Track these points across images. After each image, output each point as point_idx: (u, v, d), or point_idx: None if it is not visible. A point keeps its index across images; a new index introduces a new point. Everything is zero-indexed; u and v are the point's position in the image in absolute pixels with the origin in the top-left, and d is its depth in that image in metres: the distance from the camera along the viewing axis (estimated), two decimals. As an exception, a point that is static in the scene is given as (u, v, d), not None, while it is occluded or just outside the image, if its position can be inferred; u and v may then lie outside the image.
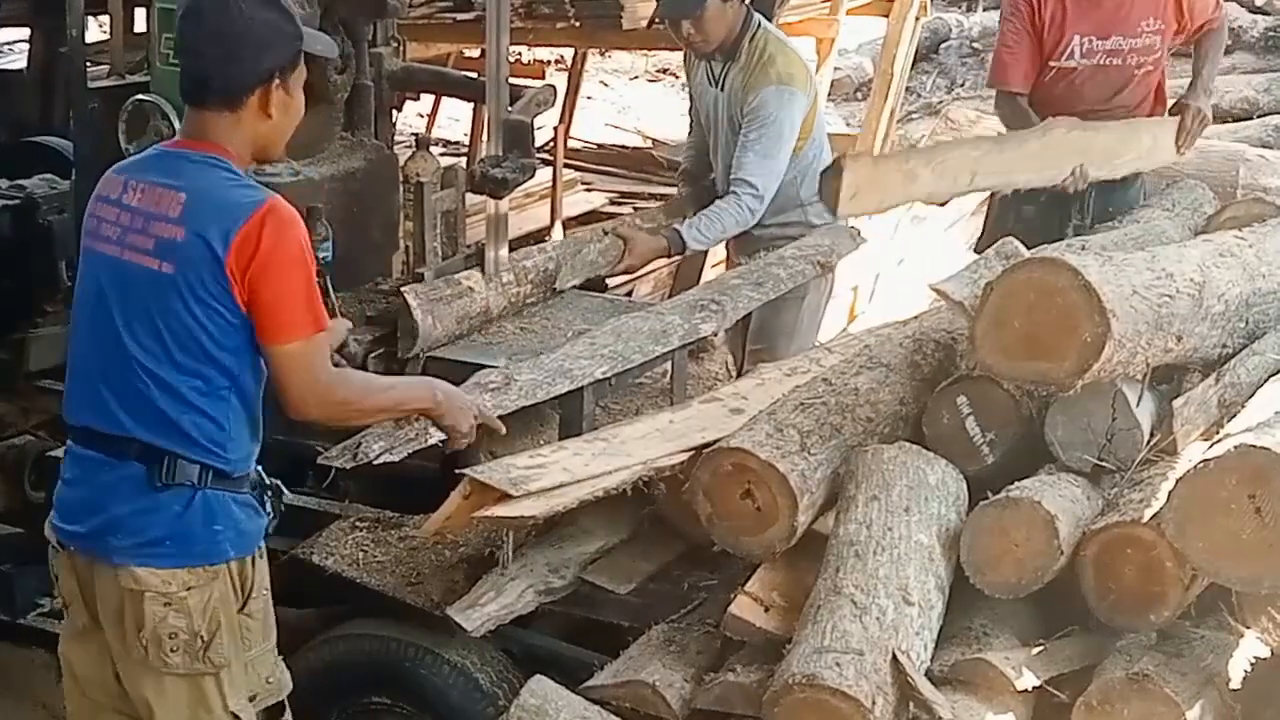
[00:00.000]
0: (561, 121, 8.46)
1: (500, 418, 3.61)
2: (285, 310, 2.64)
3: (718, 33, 4.42)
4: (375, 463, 2.89)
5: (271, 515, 2.85)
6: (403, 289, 3.62)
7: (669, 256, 4.51)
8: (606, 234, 4.28)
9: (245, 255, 2.60)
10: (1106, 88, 4.60)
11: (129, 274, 2.69)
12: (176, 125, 3.41)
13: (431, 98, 9.16)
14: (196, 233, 2.62)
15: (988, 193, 4.92)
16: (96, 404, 2.72)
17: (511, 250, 3.93)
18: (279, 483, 2.90)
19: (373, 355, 3.59)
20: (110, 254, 2.71)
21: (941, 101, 10.99)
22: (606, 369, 3.40)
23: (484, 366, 3.54)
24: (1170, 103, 4.74)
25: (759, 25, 4.49)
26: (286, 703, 2.86)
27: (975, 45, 12.18)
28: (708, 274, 5.84)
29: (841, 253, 4.35)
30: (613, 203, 8.98)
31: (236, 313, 2.63)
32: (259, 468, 2.83)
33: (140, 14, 5.15)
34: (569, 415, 3.42)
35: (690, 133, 4.95)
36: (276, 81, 2.74)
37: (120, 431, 2.69)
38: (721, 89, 4.53)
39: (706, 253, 5.20)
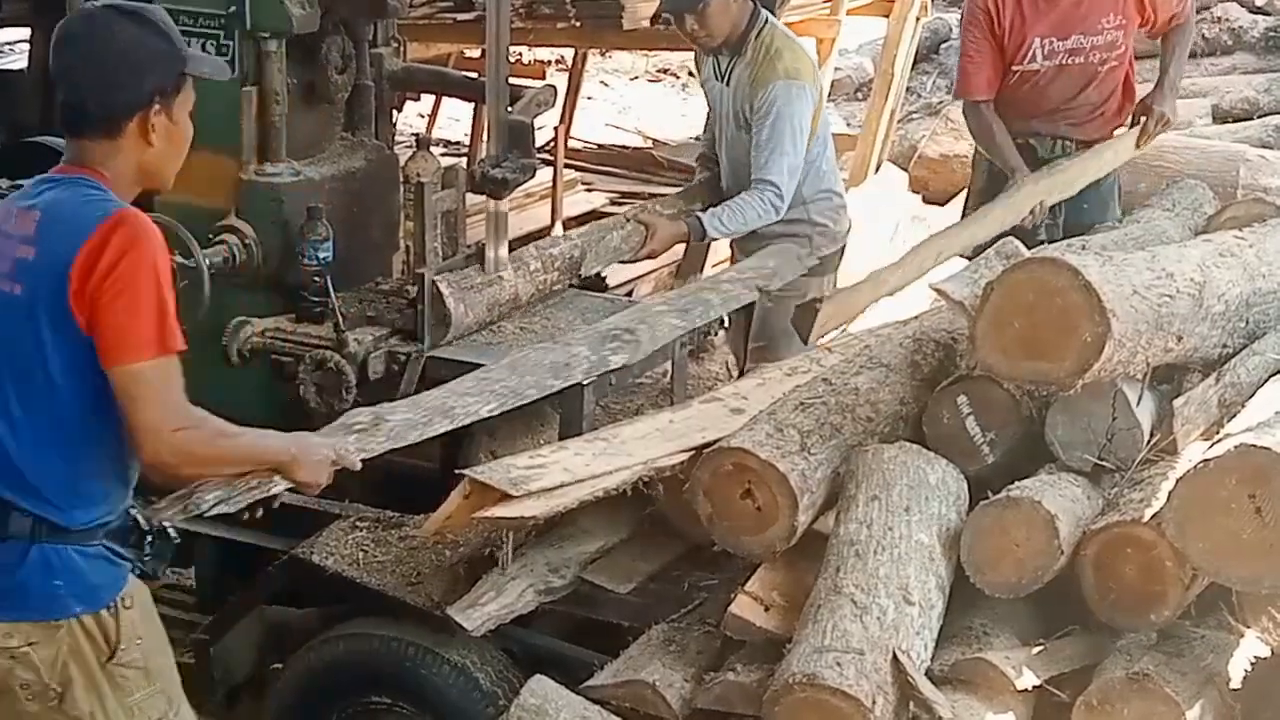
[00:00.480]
0: (562, 122, 8.45)
1: (501, 416, 3.62)
2: (129, 326, 2.42)
3: (722, 28, 4.42)
4: (206, 516, 2.62)
5: (148, 558, 2.65)
6: (435, 277, 3.58)
7: (688, 242, 4.50)
8: (629, 220, 4.30)
9: (88, 269, 2.43)
10: (1070, 86, 4.62)
11: None
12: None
13: (432, 98, 9.15)
14: (46, 250, 2.48)
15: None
16: None
17: (511, 250, 3.93)
18: (168, 527, 2.66)
19: (373, 355, 3.58)
20: None
21: (942, 102, 10.98)
22: (495, 406, 3.15)
23: (484, 366, 3.55)
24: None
25: (765, 21, 4.48)
26: None
27: (976, 45, 12.15)
28: (709, 273, 5.84)
29: (785, 276, 4.25)
30: (613, 203, 8.97)
31: (83, 337, 2.45)
32: (134, 511, 2.64)
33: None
34: (569, 415, 3.42)
35: (707, 120, 4.92)
36: (157, 106, 2.57)
37: None
38: (727, 84, 4.52)
39: (708, 252, 5.18)
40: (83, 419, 2.51)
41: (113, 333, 2.44)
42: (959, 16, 4.94)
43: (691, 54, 5.06)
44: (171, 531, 2.69)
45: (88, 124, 2.57)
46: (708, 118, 4.88)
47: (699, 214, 4.38)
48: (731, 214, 4.38)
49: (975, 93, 4.66)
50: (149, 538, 2.64)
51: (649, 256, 4.41)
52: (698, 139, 5.00)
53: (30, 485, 2.51)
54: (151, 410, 2.44)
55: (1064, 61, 4.58)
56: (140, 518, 2.65)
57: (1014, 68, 4.63)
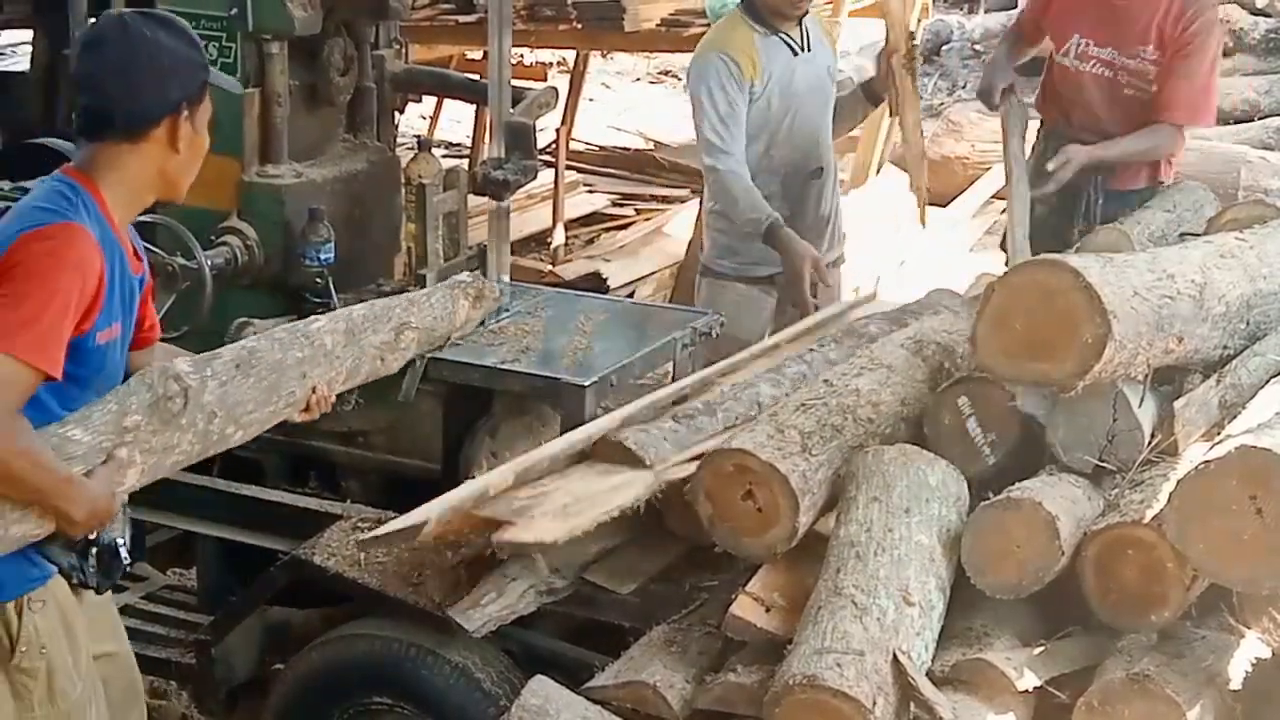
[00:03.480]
0: (563, 123, 8.47)
1: (498, 417, 3.63)
2: (1, 316, 2.38)
3: None
4: None
5: (95, 571, 2.57)
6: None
7: None
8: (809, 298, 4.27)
9: (5, 265, 2.43)
10: (1096, 99, 4.58)
11: None
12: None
13: (434, 100, 9.17)
14: None
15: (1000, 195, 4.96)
16: None
17: (513, 253, 3.93)
18: (119, 543, 2.60)
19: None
20: None
21: (943, 104, 10.99)
22: None
23: (484, 367, 3.55)
24: None
25: None
26: None
27: (977, 47, 12.17)
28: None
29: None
30: (615, 204, 8.99)
31: None
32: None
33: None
34: (569, 416, 3.42)
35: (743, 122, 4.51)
36: (185, 113, 2.62)
37: None
38: (808, 49, 4.56)
39: None
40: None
41: None
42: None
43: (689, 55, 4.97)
44: (122, 551, 2.62)
45: (111, 127, 2.58)
46: (741, 119, 4.49)
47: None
48: None
49: (1020, 30, 4.84)
50: (94, 550, 2.57)
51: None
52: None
53: None
54: None
55: (1095, 70, 4.54)
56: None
57: (1057, 58, 4.63)
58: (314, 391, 3.03)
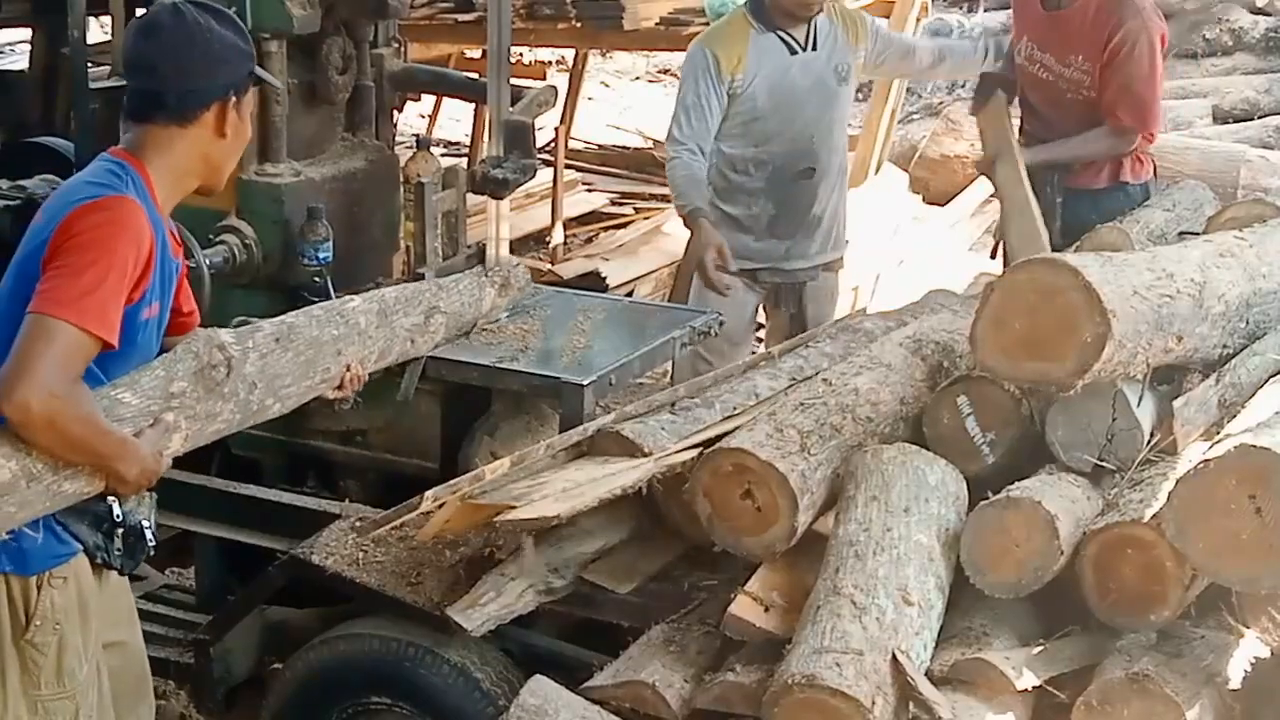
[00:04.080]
0: (562, 122, 8.47)
1: (496, 416, 3.62)
2: (62, 284, 2.44)
3: None
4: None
5: (120, 554, 2.68)
6: None
7: None
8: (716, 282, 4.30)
9: (62, 235, 2.50)
10: (1043, 99, 4.63)
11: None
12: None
13: (432, 98, 9.17)
14: (45, 214, 2.59)
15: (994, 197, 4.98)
16: None
17: (512, 251, 3.93)
18: (145, 525, 2.71)
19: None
20: None
21: (942, 102, 10.98)
22: None
23: (483, 366, 3.55)
24: None
25: None
26: None
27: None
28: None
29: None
30: (614, 203, 8.99)
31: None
32: (113, 502, 2.65)
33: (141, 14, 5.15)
34: (569, 415, 3.42)
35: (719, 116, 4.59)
36: (233, 100, 2.71)
37: None
38: (814, 48, 4.57)
39: None
40: None
41: (49, 285, 2.45)
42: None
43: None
44: (148, 533, 2.70)
45: (162, 109, 2.66)
46: (709, 114, 4.59)
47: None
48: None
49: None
50: (120, 531, 2.65)
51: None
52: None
53: None
54: (44, 365, 2.37)
55: (1039, 73, 4.61)
56: (118, 511, 2.66)
57: (1016, 57, 4.70)
58: (348, 369, 3.12)
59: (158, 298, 2.68)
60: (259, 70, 2.83)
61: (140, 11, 5.14)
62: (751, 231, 4.63)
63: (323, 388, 3.08)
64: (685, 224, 4.51)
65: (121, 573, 2.77)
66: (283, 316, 3.08)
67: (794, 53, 4.54)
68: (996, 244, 4.89)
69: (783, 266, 4.69)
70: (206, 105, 2.68)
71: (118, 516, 2.66)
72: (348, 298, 3.35)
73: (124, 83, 4.24)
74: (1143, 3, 4.47)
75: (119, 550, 2.68)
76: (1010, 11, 4.81)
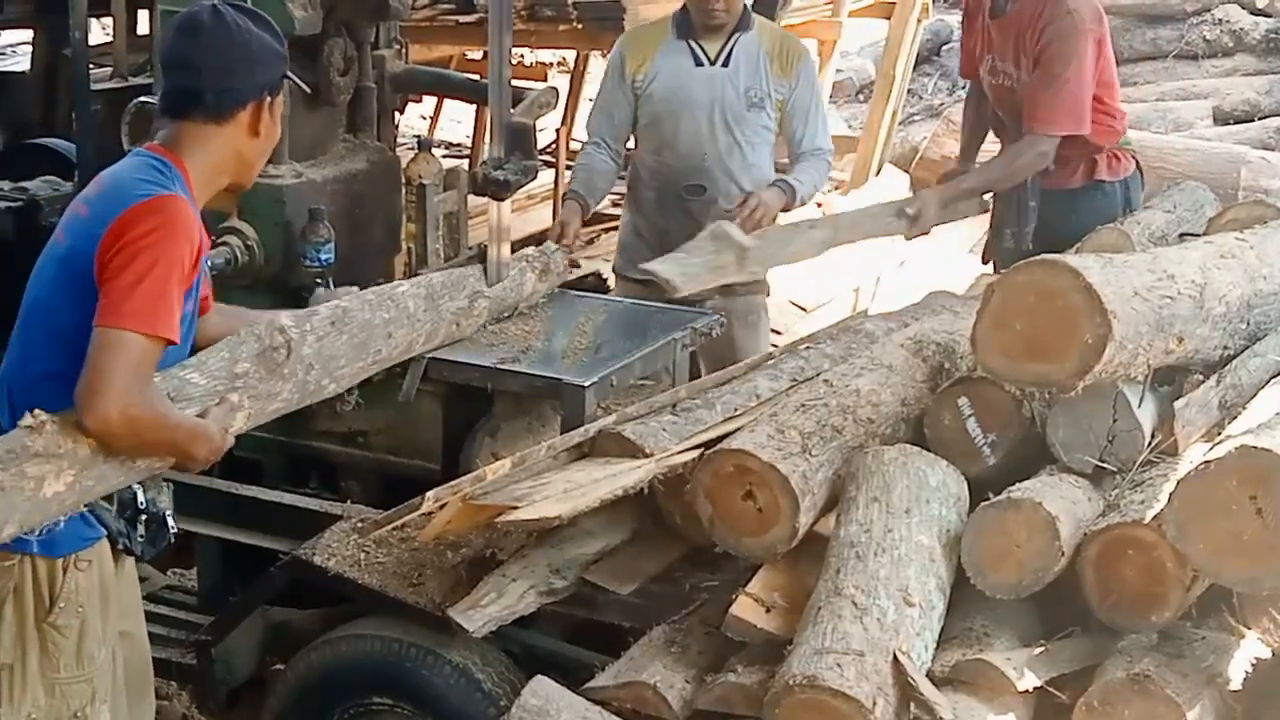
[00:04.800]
0: (564, 124, 8.47)
1: (498, 417, 3.62)
2: (127, 295, 2.52)
3: (740, 5, 4.46)
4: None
5: (143, 540, 2.77)
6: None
7: (788, 210, 4.42)
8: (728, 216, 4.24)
9: (115, 237, 2.55)
10: (1010, 112, 4.58)
11: (47, 249, 2.72)
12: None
13: (434, 100, 9.17)
14: (94, 212, 2.63)
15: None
16: None
17: (513, 252, 3.93)
18: (168, 514, 2.82)
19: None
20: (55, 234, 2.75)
21: (943, 104, 11.00)
22: None
23: (484, 367, 3.55)
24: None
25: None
26: None
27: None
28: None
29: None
30: (614, 204, 8.97)
31: (96, 294, 2.56)
32: (140, 489, 2.74)
33: (143, 16, 5.16)
34: (569, 416, 3.42)
35: (613, 109, 4.58)
36: (268, 100, 2.78)
37: None
38: (724, 65, 4.46)
39: None
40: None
41: (114, 297, 2.52)
42: (960, 19, 4.98)
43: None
44: (170, 521, 2.80)
45: (199, 106, 2.72)
46: (616, 110, 4.57)
47: (782, 179, 4.39)
48: (807, 176, 4.43)
49: (964, 74, 4.93)
50: (144, 517, 2.73)
51: (764, 213, 4.25)
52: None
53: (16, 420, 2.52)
54: (122, 376, 2.47)
55: (1002, 81, 4.56)
56: (143, 498, 2.74)
57: (983, 82, 4.70)
58: None
59: (199, 290, 2.77)
60: (290, 74, 2.88)
61: (142, 13, 5.19)
62: (648, 242, 4.52)
63: (374, 368, 3.27)
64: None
65: (141, 559, 2.83)
66: (336, 300, 3.25)
67: (699, 64, 4.47)
68: (986, 246, 4.90)
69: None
70: (243, 104, 2.74)
71: (142, 504, 2.75)
72: (398, 282, 3.50)
73: (125, 84, 4.28)
74: (1076, 2, 4.35)
75: (141, 536, 2.77)
76: (962, 22, 4.80)
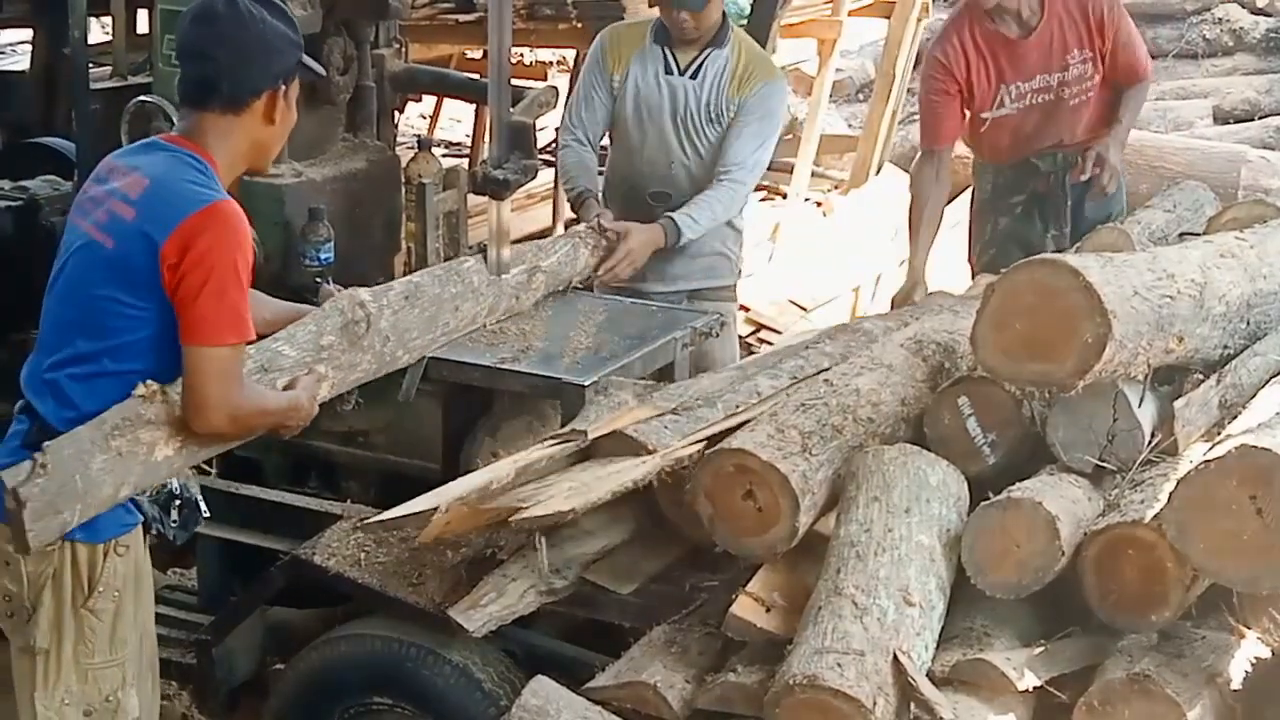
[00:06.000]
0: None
1: (498, 417, 3.62)
2: (215, 312, 2.63)
3: (712, 21, 4.41)
4: None
5: (176, 525, 2.85)
6: None
7: (665, 247, 4.31)
8: (595, 231, 4.17)
9: (181, 248, 2.61)
10: (1044, 119, 4.66)
11: (80, 244, 2.75)
12: (179, 126, 3.42)
13: (433, 99, 9.17)
14: (144, 217, 2.67)
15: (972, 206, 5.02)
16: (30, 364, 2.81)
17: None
18: (198, 499, 2.90)
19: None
20: (80, 227, 2.77)
21: (943, 103, 10.96)
22: None
23: (484, 366, 3.55)
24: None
25: (724, 13, 4.50)
26: None
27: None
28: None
29: None
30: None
31: (155, 304, 2.65)
32: (174, 477, 2.81)
33: (143, 15, 5.16)
34: (570, 416, 3.42)
35: (593, 107, 4.58)
36: (283, 88, 2.80)
37: (21, 390, 2.76)
38: (693, 77, 4.43)
39: None
40: (144, 369, 2.68)
41: (198, 315, 2.63)
42: (921, 94, 4.93)
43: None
44: (202, 505, 2.89)
45: (216, 95, 2.75)
46: (597, 104, 4.57)
47: (670, 214, 4.30)
48: (700, 210, 4.32)
49: (940, 143, 4.73)
50: (178, 502, 2.82)
51: (630, 265, 4.19)
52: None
53: (69, 407, 2.66)
54: (220, 387, 2.65)
55: (1032, 101, 4.65)
56: (176, 485, 2.81)
57: (984, 115, 4.69)
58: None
59: None
60: (307, 60, 2.90)
61: (142, 13, 5.18)
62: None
63: (443, 340, 3.49)
64: (573, 209, 4.50)
65: (175, 543, 2.90)
66: (409, 276, 3.48)
67: (669, 72, 4.45)
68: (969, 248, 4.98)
69: (639, 287, 4.39)
70: (259, 93, 2.77)
71: (176, 490, 2.82)
72: (463, 258, 3.70)
73: (125, 83, 4.27)
74: None
75: (174, 522, 2.85)
76: (933, 87, 4.77)
